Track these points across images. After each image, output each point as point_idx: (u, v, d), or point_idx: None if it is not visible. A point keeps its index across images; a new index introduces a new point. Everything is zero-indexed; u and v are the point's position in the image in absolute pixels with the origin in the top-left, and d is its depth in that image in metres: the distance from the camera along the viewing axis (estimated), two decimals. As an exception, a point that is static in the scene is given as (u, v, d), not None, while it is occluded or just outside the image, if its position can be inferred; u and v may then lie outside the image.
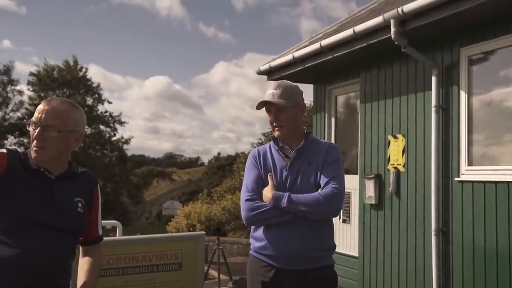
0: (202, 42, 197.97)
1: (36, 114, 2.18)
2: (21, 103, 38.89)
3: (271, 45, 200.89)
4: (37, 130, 2.15)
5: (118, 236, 5.21)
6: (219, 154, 56.39)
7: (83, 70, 39.82)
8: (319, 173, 2.69)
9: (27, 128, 2.21)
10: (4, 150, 2.14)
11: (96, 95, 40.24)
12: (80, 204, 2.27)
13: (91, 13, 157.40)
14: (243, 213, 2.71)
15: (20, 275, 2.05)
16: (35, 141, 2.16)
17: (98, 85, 40.66)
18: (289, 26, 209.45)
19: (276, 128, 2.75)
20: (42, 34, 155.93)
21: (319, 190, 2.63)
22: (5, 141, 38.27)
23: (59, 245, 2.18)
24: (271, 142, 2.85)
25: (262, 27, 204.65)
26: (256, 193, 2.69)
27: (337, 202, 2.61)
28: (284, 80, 2.86)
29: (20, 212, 2.07)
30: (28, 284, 2.07)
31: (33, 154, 2.17)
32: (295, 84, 2.83)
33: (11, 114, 38.96)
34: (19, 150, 2.23)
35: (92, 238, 2.43)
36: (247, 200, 2.69)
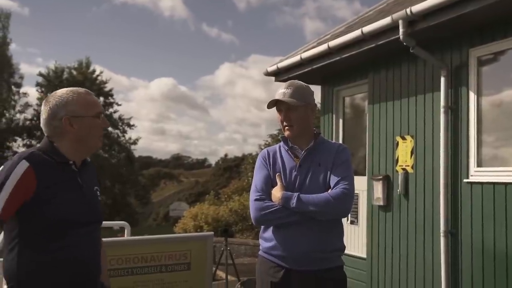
0: (206, 43, 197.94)
1: (100, 106, 2.30)
2: (27, 105, 39.16)
3: (275, 46, 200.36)
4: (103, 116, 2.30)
5: (127, 237, 5.22)
6: (226, 155, 56.57)
7: (96, 72, 40.07)
8: (328, 173, 2.68)
9: (98, 120, 2.25)
10: (27, 164, 2.03)
11: (110, 99, 40.47)
12: (98, 192, 2.33)
13: (93, 14, 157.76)
14: (252, 213, 2.71)
15: (71, 276, 2.10)
16: (102, 130, 2.29)
17: (111, 90, 40.95)
18: (292, 26, 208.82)
19: (286, 128, 2.75)
20: (46, 35, 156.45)
21: (329, 191, 2.63)
22: (13, 143, 38.51)
23: (96, 237, 2.26)
24: (281, 143, 2.86)
25: (265, 27, 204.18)
26: (265, 193, 2.69)
27: (346, 202, 2.61)
28: (296, 80, 2.87)
29: (62, 216, 2.08)
30: (77, 283, 2.12)
31: (99, 143, 2.28)
32: (306, 84, 2.84)
33: (17, 115, 39.21)
34: (35, 150, 2.17)
35: None
36: (256, 200, 2.69)
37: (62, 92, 2.25)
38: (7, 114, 38.23)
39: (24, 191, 2.00)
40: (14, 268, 2.04)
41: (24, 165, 2.03)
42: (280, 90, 2.75)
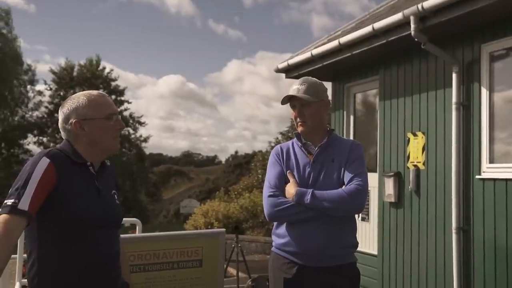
0: (213, 40, 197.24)
1: (113, 107, 2.27)
2: (40, 102, 39.30)
3: (282, 43, 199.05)
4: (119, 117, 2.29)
5: (139, 234, 5.25)
6: (236, 152, 56.54)
7: (105, 69, 40.09)
8: (342, 170, 2.68)
9: (111, 122, 2.23)
10: (48, 160, 2.05)
11: (121, 97, 40.48)
12: (116, 196, 2.33)
13: (99, 10, 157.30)
14: (265, 209, 2.71)
15: (91, 280, 2.10)
16: (120, 131, 2.28)
17: (124, 89, 40.94)
18: (299, 22, 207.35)
19: (300, 124, 2.76)
20: (52, 32, 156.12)
21: (343, 187, 2.63)
22: (25, 140, 38.73)
23: (116, 241, 2.27)
24: (294, 139, 2.86)
25: (272, 23, 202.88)
26: (279, 189, 2.69)
27: (361, 198, 2.61)
28: (309, 77, 2.86)
29: (79, 216, 2.08)
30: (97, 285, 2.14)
31: (115, 145, 2.26)
32: (320, 81, 2.84)
33: (30, 113, 39.38)
34: (56, 148, 2.19)
35: None
36: (270, 196, 2.69)
37: (75, 95, 2.26)
38: (19, 111, 38.42)
39: (46, 187, 2.02)
40: (34, 272, 2.06)
41: (45, 161, 2.05)
42: (294, 86, 2.75)
